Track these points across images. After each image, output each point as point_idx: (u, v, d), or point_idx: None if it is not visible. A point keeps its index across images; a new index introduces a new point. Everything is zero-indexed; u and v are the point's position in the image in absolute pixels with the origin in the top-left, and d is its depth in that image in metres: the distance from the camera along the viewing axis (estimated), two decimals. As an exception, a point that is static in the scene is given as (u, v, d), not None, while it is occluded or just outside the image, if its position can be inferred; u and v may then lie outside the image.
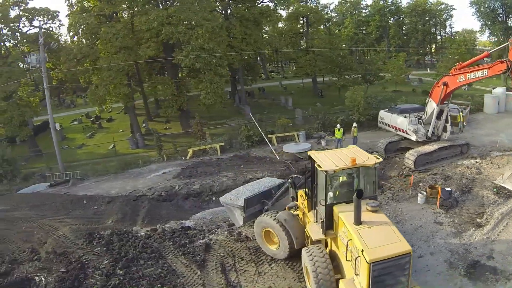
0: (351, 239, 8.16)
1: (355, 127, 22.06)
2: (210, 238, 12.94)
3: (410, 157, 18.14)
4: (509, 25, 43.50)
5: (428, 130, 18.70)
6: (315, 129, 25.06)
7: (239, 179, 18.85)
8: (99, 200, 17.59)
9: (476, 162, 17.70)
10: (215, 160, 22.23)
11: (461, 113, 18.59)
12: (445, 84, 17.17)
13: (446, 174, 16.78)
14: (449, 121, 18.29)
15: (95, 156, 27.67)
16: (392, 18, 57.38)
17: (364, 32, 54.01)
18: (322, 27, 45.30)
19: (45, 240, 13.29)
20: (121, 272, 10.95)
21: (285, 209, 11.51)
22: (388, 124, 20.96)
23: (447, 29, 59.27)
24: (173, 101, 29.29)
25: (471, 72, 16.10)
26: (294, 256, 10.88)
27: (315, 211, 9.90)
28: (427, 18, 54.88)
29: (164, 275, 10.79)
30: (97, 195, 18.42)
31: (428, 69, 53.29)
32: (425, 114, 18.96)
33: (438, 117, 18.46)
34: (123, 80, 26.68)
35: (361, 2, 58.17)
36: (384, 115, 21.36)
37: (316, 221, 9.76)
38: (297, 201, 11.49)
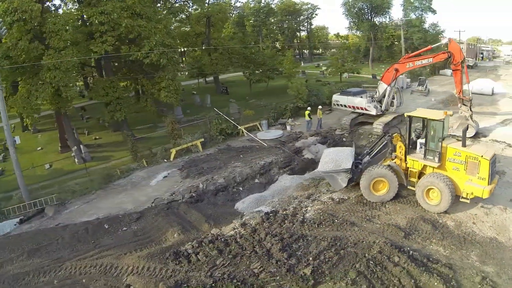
0: (467, 155, 12.83)
1: (320, 109, 26.04)
2: (311, 210, 14.48)
3: (378, 126, 23.41)
4: (375, 22, 56.05)
5: (381, 106, 24.43)
6: (272, 118, 27.70)
7: (253, 166, 19.92)
8: (124, 219, 15.41)
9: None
10: (205, 156, 21.85)
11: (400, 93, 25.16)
12: (396, 69, 23.00)
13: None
14: (395, 97, 24.46)
15: (35, 180, 22.45)
16: (266, 18, 64.32)
17: (243, 31, 58.63)
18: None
19: (123, 283, 11.07)
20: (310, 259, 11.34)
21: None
22: (345, 105, 25.82)
23: (313, 26, 71.45)
24: (123, 104, 26.46)
25: (418, 60, 22.28)
26: (396, 196, 14.55)
27: (425, 150, 13.81)
28: (293, 17, 64.37)
29: (333, 243, 12.07)
30: (112, 215, 15.87)
31: (320, 63, 62.53)
32: (377, 93, 24.54)
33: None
34: (71, 81, 22.89)
35: (234, 4, 62.78)
36: (339, 98, 26.13)
37: (426, 158, 13.79)
38: (395, 151, 14.72)
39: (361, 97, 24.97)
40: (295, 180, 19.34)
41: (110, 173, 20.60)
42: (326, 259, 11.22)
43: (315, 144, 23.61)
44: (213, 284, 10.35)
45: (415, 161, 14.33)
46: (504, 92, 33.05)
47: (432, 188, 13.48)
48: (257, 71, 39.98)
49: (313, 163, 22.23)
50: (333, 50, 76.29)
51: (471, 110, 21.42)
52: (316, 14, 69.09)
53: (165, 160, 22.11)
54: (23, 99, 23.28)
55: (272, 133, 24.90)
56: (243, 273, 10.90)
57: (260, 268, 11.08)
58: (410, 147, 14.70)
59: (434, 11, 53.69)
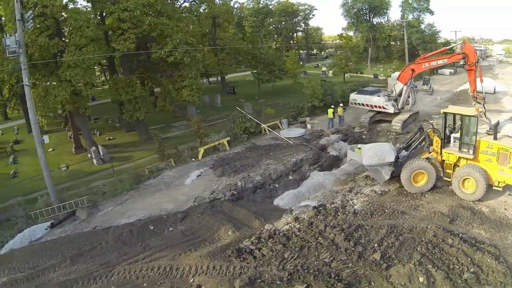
0: (499, 147, 13.84)
1: (341, 107, 26.99)
2: (358, 202, 15.25)
3: (397, 124, 24.45)
4: (373, 23, 57.52)
5: (397, 104, 25.52)
6: (291, 116, 28.47)
7: (286, 163, 20.48)
8: (168, 219, 15.42)
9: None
10: (234, 154, 22.19)
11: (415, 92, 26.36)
12: (413, 70, 24.10)
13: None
14: (410, 96, 25.62)
15: (55, 182, 21.62)
16: (265, 19, 65.05)
17: (242, 32, 59.06)
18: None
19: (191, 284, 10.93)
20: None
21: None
22: (362, 104, 26.79)
23: (309, 27, 72.70)
24: (142, 103, 26.20)
25: (434, 60, 23.44)
26: (433, 187, 15.40)
27: (460, 144, 14.73)
28: (290, 18, 65.51)
29: (391, 230, 12.73)
30: (156, 216, 15.79)
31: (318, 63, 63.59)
32: (393, 92, 25.61)
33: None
34: (92, 79, 22.57)
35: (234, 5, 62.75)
36: (357, 97, 27.06)
37: (461, 151, 14.69)
38: (431, 145, 15.56)
39: (378, 96, 26.02)
40: (327, 176, 19.98)
41: (138, 173, 20.66)
42: (390, 245, 11.80)
43: (338, 142, 24.44)
44: (289, 277, 10.62)
45: (451, 154, 15.29)
46: (505, 90, 34.79)
47: (468, 178, 14.37)
48: (265, 71, 40.54)
49: (337, 160, 23.12)
50: (329, 49, 77.96)
51: (484, 107, 22.69)
52: (313, 15, 70.80)
53: (193, 159, 22.28)
54: (40, 98, 23.02)
55: (294, 131, 25.55)
56: (314, 264, 11.33)
57: (330, 257, 11.63)
58: (445, 141, 15.78)
59: (431, 12, 55.84)
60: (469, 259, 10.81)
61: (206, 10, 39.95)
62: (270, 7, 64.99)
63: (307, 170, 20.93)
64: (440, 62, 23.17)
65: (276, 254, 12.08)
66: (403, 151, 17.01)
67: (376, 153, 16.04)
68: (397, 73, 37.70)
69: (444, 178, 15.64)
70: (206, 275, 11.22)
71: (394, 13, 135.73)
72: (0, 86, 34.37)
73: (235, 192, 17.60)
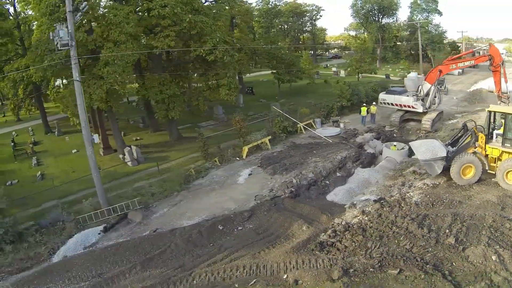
0: None
1: (374, 105, 28.52)
2: (414, 194, 16.65)
3: (427, 122, 26.01)
4: (382, 24, 59.31)
5: (424, 103, 27.13)
6: (323, 116, 29.86)
7: (332, 161, 21.72)
8: (236, 218, 15.89)
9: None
10: (277, 153, 23.29)
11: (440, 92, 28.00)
12: (440, 71, 25.70)
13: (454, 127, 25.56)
14: (437, 96, 27.26)
15: (89, 185, 21.05)
16: (274, 20, 66.30)
17: (253, 32, 60.14)
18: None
19: (286, 280, 11.27)
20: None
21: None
22: (392, 103, 28.34)
23: (316, 28, 74.39)
24: (176, 102, 26.26)
25: (461, 62, 25.06)
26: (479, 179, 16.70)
27: (503, 139, 16.08)
28: (298, 18, 67.11)
29: (455, 218, 13.86)
30: (222, 216, 16.16)
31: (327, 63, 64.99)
32: (421, 92, 27.21)
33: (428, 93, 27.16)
34: (129, 77, 23.04)
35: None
36: (386, 97, 28.56)
37: (504, 146, 15.99)
38: (477, 141, 16.95)
39: (407, 95, 27.60)
40: (371, 172, 21.24)
41: (184, 174, 21.10)
42: (458, 230, 13.09)
43: (372, 140, 25.95)
44: (379, 264, 11.65)
45: (494, 149, 16.83)
46: None
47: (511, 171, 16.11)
48: (286, 72, 41.76)
49: (374, 157, 24.58)
50: (335, 50, 79.72)
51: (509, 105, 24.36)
52: (320, 16, 72.47)
53: (237, 158, 23.21)
54: (73, 97, 21.86)
55: (330, 130, 26.86)
56: (397, 251, 12.57)
57: (410, 244, 12.88)
58: (488, 138, 17.31)
59: (440, 13, 57.87)
60: (530, 240, 12.27)
61: (225, 11, 40.82)
62: (279, 7, 66.29)
63: (351, 167, 22.25)
64: (467, 63, 24.75)
65: (359, 244, 13.04)
66: (449, 147, 18.50)
67: (428, 149, 17.41)
68: (413, 74, 39.63)
69: (488, 171, 17.13)
70: (298, 270, 11.60)
71: (402, 14, 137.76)
72: (15, 86, 34.75)
73: (293, 190, 18.53)
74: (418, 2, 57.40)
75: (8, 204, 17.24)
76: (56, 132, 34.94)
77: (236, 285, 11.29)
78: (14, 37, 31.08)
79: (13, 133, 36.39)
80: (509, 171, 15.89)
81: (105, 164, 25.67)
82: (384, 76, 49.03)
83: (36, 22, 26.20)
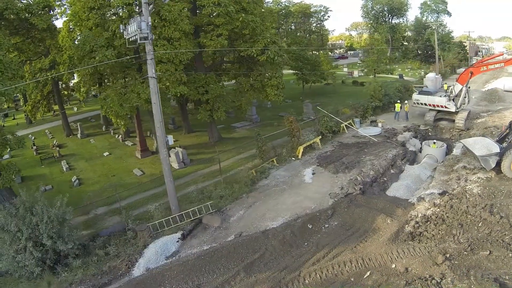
0: None
1: (406, 104, 31.13)
2: (473, 187, 19.13)
3: (460, 121, 28.75)
4: (393, 24, 62.07)
5: (456, 103, 29.88)
6: (360, 115, 32.32)
7: (386, 159, 24.00)
8: (320, 217, 17.18)
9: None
10: (330, 152, 25.45)
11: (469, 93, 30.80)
12: (471, 72, 28.41)
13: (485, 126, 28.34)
14: (467, 96, 30.03)
15: (143, 189, 21.92)
16: (284, 21, 68.45)
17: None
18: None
19: (396, 270, 12.73)
20: None
21: None
22: (425, 104, 31.00)
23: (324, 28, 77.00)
24: (221, 102, 26.85)
25: (491, 64, 27.83)
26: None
27: None
28: (307, 19, 69.59)
29: None
30: (307, 215, 17.32)
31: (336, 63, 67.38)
32: (453, 93, 29.94)
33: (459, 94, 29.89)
34: (181, 76, 22.76)
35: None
36: (420, 98, 31.14)
37: None
38: None
39: (440, 96, 30.32)
40: (420, 169, 23.53)
41: (243, 175, 21.76)
42: None
43: (411, 138, 28.60)
44: (469, 247, 13.95)
45: (537, 145, 19.63)
46: None
47: None
48: (311, 72, 43.79)
49: (415, 154, 27.07)
50: (340, 50, 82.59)
51: None
52: (328, 16, 75.01)
53: (293, 158, 24.97)
54: (119, 97, 22.34)
55: (372, 129, 29.24)
56: (478, 235, 14.96)
57: (488, 229, 15.54)
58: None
59: (449, 14, 61.03)
60: None
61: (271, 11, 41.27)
62: (290, 9, 68.48)
63: (401, 165, 24.72)
64: (497, 66, 27.46)
65: (445, 232, 15.31)
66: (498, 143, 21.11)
67: (483, 146, 19.95)
68: (431, 74, 42.49)
69: None
70: (404, 259, 13.44)
71: (413, 15, 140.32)
72: (37, 86, 34.33)
73: (361, 187, 20.57)
74: (428, 2, 60.41)
75: (73, 214, 15.96)
76: (78, 134, 35.12)
77: (352, 279, 12.77)
78: (53, 33, 30.67)
79: (30, 136, 35.82)
80: None
81: (147, 167, 25.85)
82: (398, 76, 52.01)
83: (71, 20, 25.88)
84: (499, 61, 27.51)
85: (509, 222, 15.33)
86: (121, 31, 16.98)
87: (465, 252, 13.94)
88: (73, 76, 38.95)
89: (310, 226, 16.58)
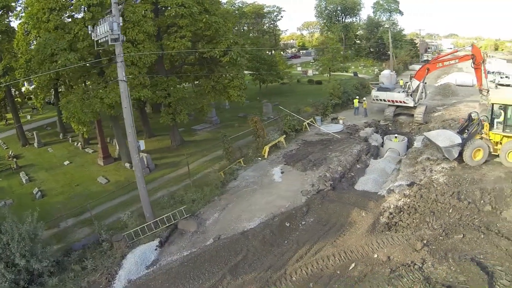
0: None
1: (365, 101, 32.59)
2: (439, 176, 20.48)
3: (418, 115, 30.71)
4: (346, 23, 64.55)
5: (414, 99, 31.91)
6: (321, 113, 33.28)
7: (351, 154, 24.98)
8: (296, 214, 17.76)
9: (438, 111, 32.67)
10: (295, 150, 26.00)
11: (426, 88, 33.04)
12: (428, 69, 30.53)
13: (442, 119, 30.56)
14: (424, 91, 32.18)
15: (109, 198, 21.45)
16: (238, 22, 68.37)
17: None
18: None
19: (378, 259, 13.45)
20: None
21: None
22: (384, 100, 32.71)
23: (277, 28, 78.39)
24: (184, 105, 26.68)
25: (447, 60, 30.11)
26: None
27: (503, 126, 20.17)
28: (260, 20, 70.54)
29: (482, 191, 17.28)
30: (283, 213, 17.77)
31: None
32: (410, 89, 31.92)
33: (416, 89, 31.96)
34: (145, 80, 22.57)
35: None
36: (379, 94, 32.81)
37: (504, 131, 20.12)
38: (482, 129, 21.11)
39: (399, 92, 32.20)
40: (384, 162, 24.93)
41: (211, 178, 21.95)
42: (489, 200, 16.81)
43: (373, 134, 30.03)
44: (444, 232, 14.93)
45: (496, 134, 21.50)
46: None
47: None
48: (268, 72, 44.54)
49: (378, 149, 28.47)
50: (292, 50, 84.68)
51: (488, 98, 29.79)
52: (281, 17, 76.66)
53: (259, 158, 25.32)
54: (81, 103, 22.00)
55: (334, 126, 30.27)
56: (450, 221, 16.00)
57: (458, 215, 16.69)
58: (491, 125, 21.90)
59: (401, 13, 65.26)
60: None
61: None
62: (244, 9, 69.23)
63: (365, 159, 25.88)
64: (452, 62, 29.82)
65: (419, 221, 16.33)
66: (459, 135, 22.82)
67: (445, 138, 21.49)
68: (386, 71, 45.06)
69: (492, 153, 21.67)
70: (384, 248, 14.35)
71: (364, 14, 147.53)
72: None
73: (331, 183, 21.28)
74: (381, 2, 64.24)
75: (44, 229, 15.45)
76: (35, 143, 34.00)
77: (338, 272, 13.36)
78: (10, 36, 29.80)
79: (-19, 147, 34.02)
80: (509, 152, 20.39)
81: (112, 174, 25.48)
82: (352, 74, 54.53)
83: (27, 22, 25.43)
84: (454, 57, 29.78)
85: (477, 207, 16.67)
86: (89, 32, 16.69)
87: (440, 237, 14.89)
88: (29, 82, 36.81)
89: (287, 224, 16.98)
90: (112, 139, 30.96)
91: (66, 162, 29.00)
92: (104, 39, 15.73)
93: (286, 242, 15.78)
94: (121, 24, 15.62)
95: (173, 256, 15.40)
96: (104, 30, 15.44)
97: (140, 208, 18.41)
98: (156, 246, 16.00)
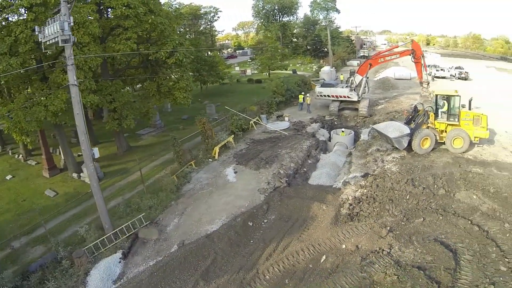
0: (473, 115, 21.78)
1: (308, 97, 33.64)
2: (391, 166, 21.80)
3: (363, 109, 32.46)
4: (283, 22, 65.82)
5: (357, 93, 33.69)
6: (266, 111, 33.72)
7: (302, 150, 25.63)
8: (258, 213, 18.14)
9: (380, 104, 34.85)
10: (246, 150, 26.09)
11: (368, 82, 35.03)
12: (370, 64, 32.45)
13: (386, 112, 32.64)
14: (367, 86, 34.10)
15: (60, 212, 20.39)
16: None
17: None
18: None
19: (346, 250, 14.30)
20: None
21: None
22: (329, 95, 34.07)
23: (214, 28, 77.69)
24: (130, 110, 25.92)
25: (388, 56, 32.21)
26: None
27: (447, 115, 22.26)
28: (197, 21, 69.74)
29: (434, 176, 18.67)
30: (238, 213, 18.08)
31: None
32: (353, 83, 33.64)
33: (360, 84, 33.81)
34: (91, 84, 21.60)
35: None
36: (323, 90, 34.11)
37: (448, 120, 22.24)
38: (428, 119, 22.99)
39: (342, 87, 33.79)
40: (334, 156, 25.98)
41: (165, 183, 21.62)
42: (442, 183, 18.35)
43: (320, 129, 31.16)
44: (405, 218, 15.98)
45: (441, 123, 23.48)
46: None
47: (457, 138, 22.53)
48: (209, 73, 44.38)
49: (326, 144, 29.57)
50: (229, 50, 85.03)
51: (428, 90, 32.46)
52: (218, 17, 76.44)
53: (210, 160, 25.11)
54: (24, 111, 20.94)
55: (280, 124, 30.89)
56: (409, 207, 16.83)
57: (415, 200, 17.81)
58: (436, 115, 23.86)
59: (338, 11, 68.55)
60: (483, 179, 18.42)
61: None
62: (181, 10, 68.17)
63: (316, 154, 26.75)
64: (393, 57, 31.99)
65: (379, 209, 17.25)
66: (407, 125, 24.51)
67: (394, 129, 22.96)
68: (326, 67, 47.14)
69: (438, 141, 23.58)
70: (350, 238, 15.05)
71: (302, 12, 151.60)
72: None
73: (286, 179, 21.72)
74: (318, 0, 67.17)
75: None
76: None
77: (310, 266, 13.77)
78: None
79: None
80: (454, 139, 22.41)
81: (59, 186, 24.65)
82: (291, 72, 56.21)
83: None
84: (394, 52, 31.96)
85: (431, 191, 17.99)
86: (36, 33, 15.99)
87: (402, 223, 15.87)
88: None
89: (250, 224, 17.31)
90: (55, 148, 29.68)
91: (8, 177, 27.26)
92: (53, 41, 15.19)
93: (252, 241, 16.04)
94: (72, 23, 15.18)
95: (139, 267, 15.20)
96: (53, 30, 14.89)
97: (95, 220, 18.19)
98: (120, 258, 15.78)
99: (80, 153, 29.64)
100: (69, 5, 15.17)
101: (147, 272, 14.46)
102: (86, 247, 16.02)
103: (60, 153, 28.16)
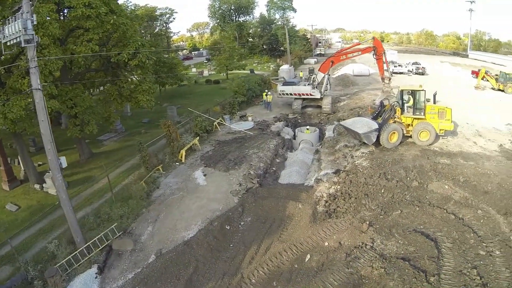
0: (438, 108, 22.84)
1: (270, 95, 33.81)
2: (362, 162, 22.26)
3: (326, 106, 33.04)
4: (240, 22, 65.46)
5: (320, 90, 34.26)
6: (228, 112, 33.45)
7: (269, 150, 25.60)
8: (233, 216, 18.04)
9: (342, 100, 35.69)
10: (212, 151, 25.66)
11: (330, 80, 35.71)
12: (332, 61, 33.10)
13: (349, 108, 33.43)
14: (329, 83, 34.74)
15: (16, 232, 19.14)
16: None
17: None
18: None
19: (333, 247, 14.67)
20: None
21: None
22: (291, 93, 34.34)
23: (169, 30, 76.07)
24: (91, 115, 24.92)
25: (350, 53, 32.96)
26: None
27: (413, 110, 23.15)
28: (153, 22, 67.90)
29: (405, 170, 19.25)
30: (214, 217, 17.90)
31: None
32: (316, 81, 34.16)
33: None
34: (51, 89, 20.72)
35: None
36: (285, 88, 34.35)
37: (414, 114, 23.17)
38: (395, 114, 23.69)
39: (305, 85, 34.23)
40: (302, 154, 26.27)
41: (133, 190, 21.05)
42: (414, 176, 18.93)
43: (284, 128, 31.38)
44: (382, 211, 16.38)
45: (407, 118, 24.32)
46: (376, 72, 48.51)
47: (424, 131, 23.57)
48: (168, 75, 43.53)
49: (291, 142, 29.80)
50: (184, 51, 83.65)
51: (390, 85, 33.57)
52: (173, 18, 75.03)
53: (177, 163, 24.50)
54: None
55: (244, 124, 30.72)
56: (385, 200, 17.41)
57: (390, 193, 18.27)
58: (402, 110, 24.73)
59: (295, 10, 69.54)
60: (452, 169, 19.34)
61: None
62: (136, 12, 66.39)
63: (283, 153, 26.86)
64: (355, 54, 32.80)
65: (356, 204, 17.56)
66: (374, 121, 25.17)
67: (363, 125, 23.49)
68: (285, 66, 47.68)
69: (405, 135, 24.41)
70: (332, 236, 15.21)
71: (258, 12, 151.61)
72: None
73: (258, 179, 21.58)
74: (275, 0, 67.85)
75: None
76: None
77: (296, 266, 13.78)
78: None
79: None
80: (421, 132, 23.32)
81: (21, 199, 23.37)
82: (249, 71, 56.39)
83: None
84: (356, 49, 32.79)
85: (405, 184, 18.56)
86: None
87: (380, 216, 16.25)
88: None
89: (228, 227, 17.12)
90: (14, 159, 28.34)
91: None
92: (14, 41, 14.43)
93: (231, 245, 15.88)
94: (35, 22, 14.36)
95: (118, 282, 14.64)
96: (15, 30, 14.06)
97: (64, 233, 17.63)
98: (96, 273, 15.10)
99: (40, 163, 28.21)
100: (31, 2, 14.32)
101: (127, 287, 13.99)
102: (58, 264, 15.26)
103: (19, 163, 26.92)
